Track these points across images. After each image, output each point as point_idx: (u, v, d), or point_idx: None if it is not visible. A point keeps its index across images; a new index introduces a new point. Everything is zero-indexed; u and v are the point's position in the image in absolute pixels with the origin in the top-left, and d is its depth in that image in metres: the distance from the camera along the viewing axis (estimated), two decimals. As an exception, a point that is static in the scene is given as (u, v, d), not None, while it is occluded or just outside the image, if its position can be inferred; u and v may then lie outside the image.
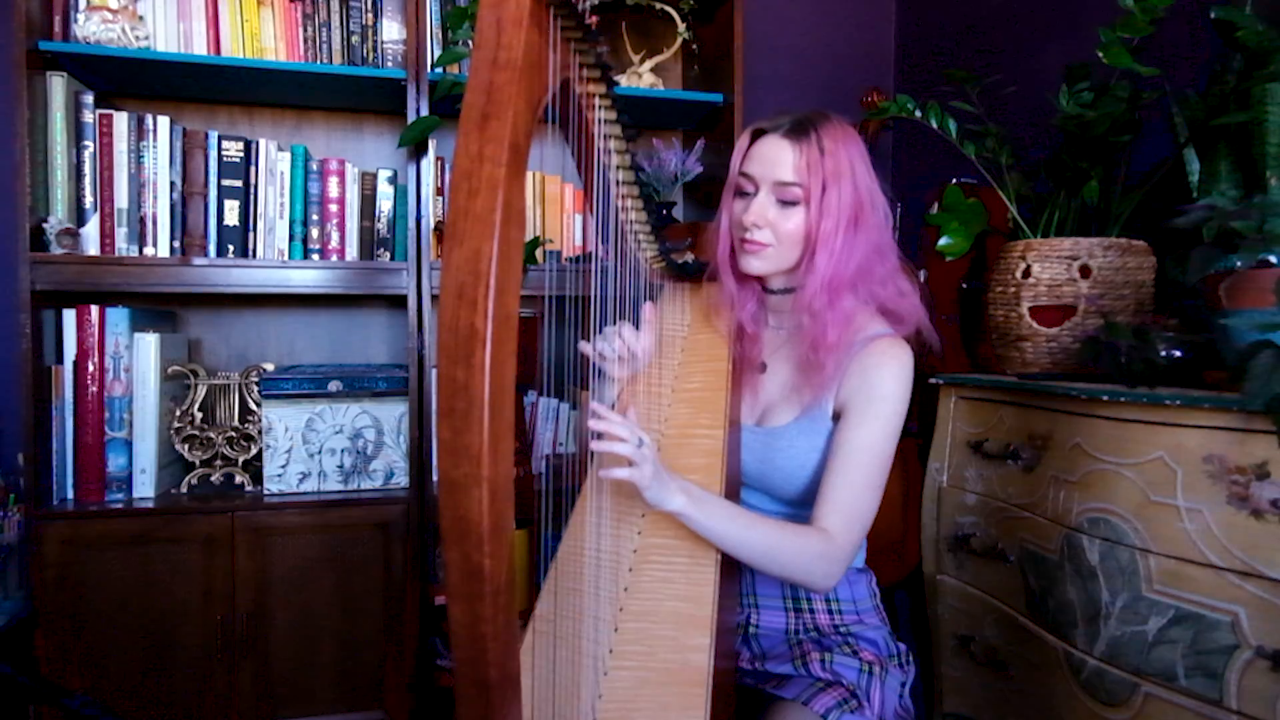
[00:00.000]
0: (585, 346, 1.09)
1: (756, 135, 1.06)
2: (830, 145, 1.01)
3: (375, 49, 1.87)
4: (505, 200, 0.55)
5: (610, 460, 0.90)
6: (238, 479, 1.82)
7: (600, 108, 0.83)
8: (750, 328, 1.14)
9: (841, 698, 0.96)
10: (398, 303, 1.97)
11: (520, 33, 0.57)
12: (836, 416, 1.05)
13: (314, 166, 1.86)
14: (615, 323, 1.09)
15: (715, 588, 0.92)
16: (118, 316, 1.72)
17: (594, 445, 0.88)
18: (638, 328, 1.12)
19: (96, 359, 1.70)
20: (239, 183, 1.80)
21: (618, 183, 0.95)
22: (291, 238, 1.85)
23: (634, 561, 0.98)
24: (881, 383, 1.01)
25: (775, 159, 1.03)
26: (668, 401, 1.11)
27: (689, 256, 1.27)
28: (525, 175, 0.59)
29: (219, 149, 1.79)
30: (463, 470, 0.54)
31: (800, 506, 1.08)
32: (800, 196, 1.02)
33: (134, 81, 1.84)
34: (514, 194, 0.56)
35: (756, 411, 1.13)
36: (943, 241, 1.62)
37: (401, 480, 1.86)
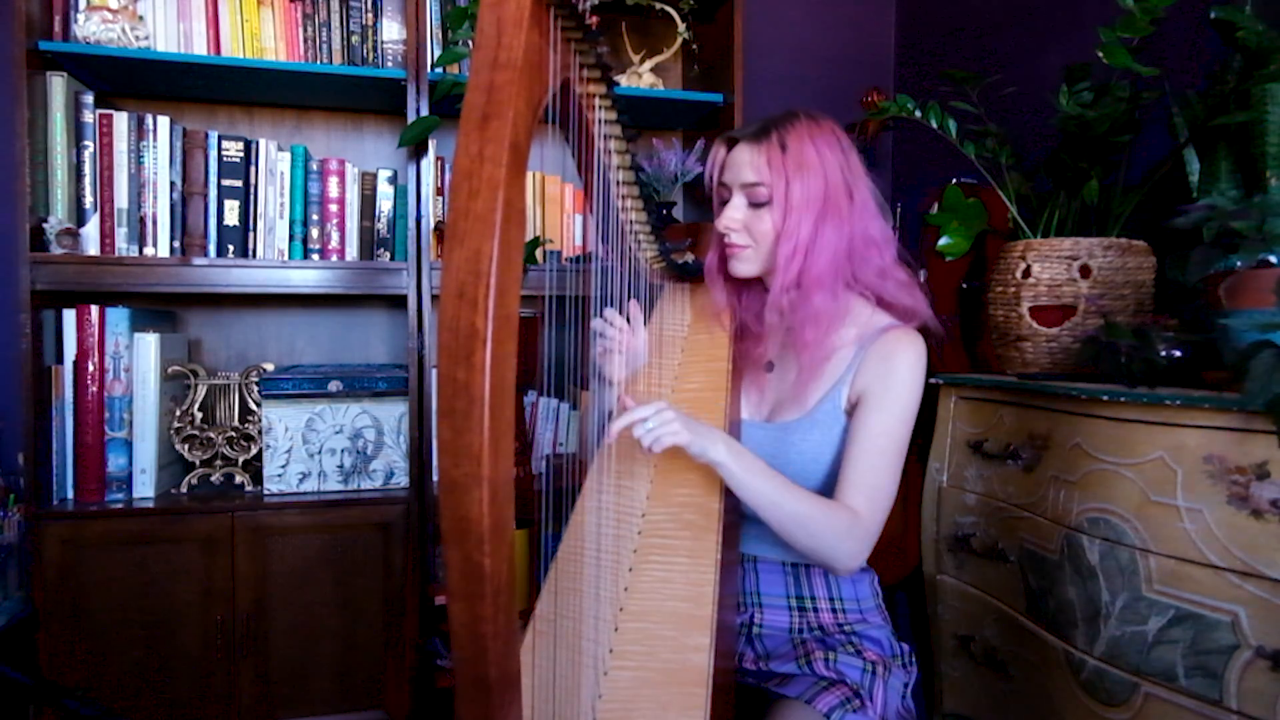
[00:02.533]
0: (597, 322, 1.11)
1: (730, 145, 1.09)
2: (793, 142, 1.03)
3: (375, 49, 1.87)
4: (506, 200, 0.55)
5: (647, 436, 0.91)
6: (238, 479, 1.81)
7: (600, 108, 0.83)
8: (755, 327, 1.15)
9: (844, 697, 0.96)
10: (398, 303, 1.97)
11: (520, 33, 0.57)
12: (851, 407, 1.06)
13: (314, 166, 1.86)
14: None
15: (715, 588, 0.92)
16: (118, 316, 1.72)
17: (613, 432, 0.91)
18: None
19: (96, 359, 1.70)
20: (239, 183, 1.80)
21: (618, 183, 0.95)
22: (291, 238, 1.85)
23: (634, 561, 0.98)
24: (897, 370, 1.03)
25: (741, 162, 1.06)
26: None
27: (689, 256, 1.27)
28: (525, 175, 0.59)
29: (219, 149, 1.79)
30: (463, 470, 0.54)
31: None
32: (767, 196, 1.04)
33: (134, 81, 1.84)
34: (514, 194, 0.56)
35: (765, 409, 1.14)
36: (943, 241, 1.62)
37: (401, 480, 1.86)
